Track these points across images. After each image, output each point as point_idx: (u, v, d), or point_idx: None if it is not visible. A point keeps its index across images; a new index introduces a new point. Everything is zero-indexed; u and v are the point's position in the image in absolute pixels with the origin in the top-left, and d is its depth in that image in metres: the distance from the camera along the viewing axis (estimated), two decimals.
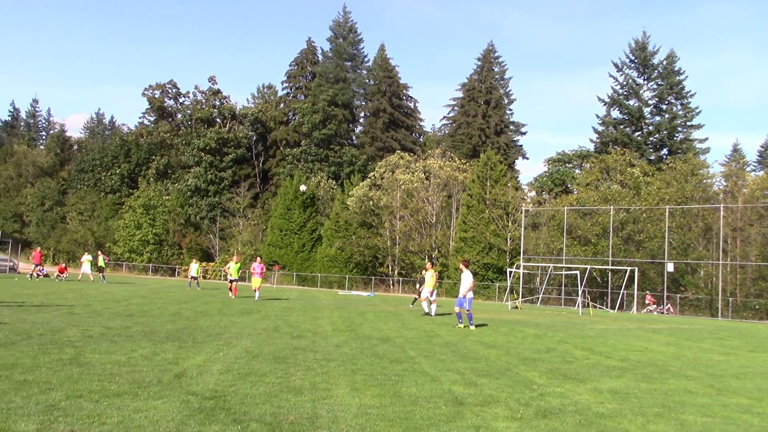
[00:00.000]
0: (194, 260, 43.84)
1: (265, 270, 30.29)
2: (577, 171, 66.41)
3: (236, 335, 13.60)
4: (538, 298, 45.70)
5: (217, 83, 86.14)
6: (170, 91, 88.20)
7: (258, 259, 29.94)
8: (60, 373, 8.11)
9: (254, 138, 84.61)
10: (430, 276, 23.31)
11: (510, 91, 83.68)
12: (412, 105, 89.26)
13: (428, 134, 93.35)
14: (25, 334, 11.75)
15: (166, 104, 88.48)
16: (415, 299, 31.66)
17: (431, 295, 23.41)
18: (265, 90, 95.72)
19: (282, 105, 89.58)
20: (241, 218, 69.93)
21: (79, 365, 8.79)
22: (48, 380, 7.65)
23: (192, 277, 39.62)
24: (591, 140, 68.81)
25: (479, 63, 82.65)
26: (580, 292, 36.15)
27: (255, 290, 28.48)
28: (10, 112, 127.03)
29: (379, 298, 40.12)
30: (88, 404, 6.59)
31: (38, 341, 10.96)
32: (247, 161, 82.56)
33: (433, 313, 23.33)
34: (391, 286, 55.70)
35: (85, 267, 39.96)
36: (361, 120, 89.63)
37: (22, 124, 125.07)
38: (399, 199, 57.38)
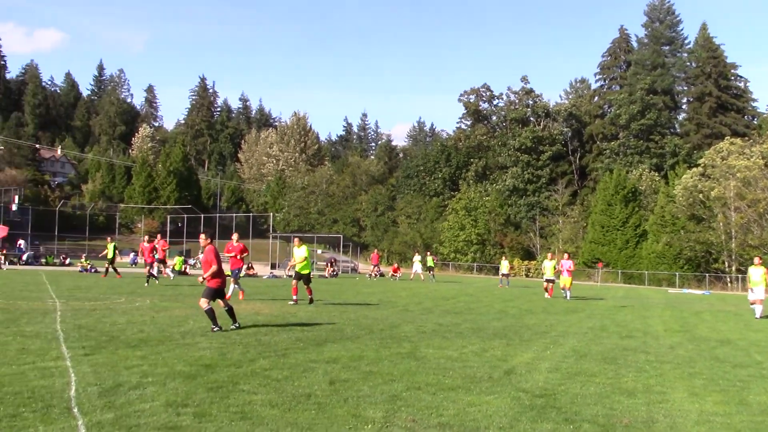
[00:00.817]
0: (503, 257, 44.04)
1: (574, 268, 28.30)
2: None
3: (562, 333, 13.52)
4: None
5: (529, 82, 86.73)
6: (484, 94, 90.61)
7: (567, 255, 28.22)
8: (400, 366, 8.76)
9: (569, 134, 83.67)
10: (761, 275, 20.12)
11: None
12: (742, 85, 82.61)
13: (764, 116, 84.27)
14: (368, 329, 12.91)
15: (481, 108, 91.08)
16: None
17: (760, 293, 20.33)
18: (578, 84, 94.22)
19: (596, 98, 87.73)
20: (560, 216, 69.39)
21: (416, 359, 9.41)
22: (390, 372, 8.31)
23: (503, 275, 39.64)
24: None
25: None
26: None
27: (565, 289, 26.89)
28: (344, 127, 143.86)
29: (715, 297, 37.10)
30: (426, 396, 7.02)
31: (379, 336, 11.97)
32: (563, 158, 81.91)
33: (757, 314, 20.15)
34: (729, 284, 50.97)
35: (416, 267, 42.62)
36: (684, 106, 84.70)
37: (354, 137, 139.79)
38: (733, 188, 52.36)
